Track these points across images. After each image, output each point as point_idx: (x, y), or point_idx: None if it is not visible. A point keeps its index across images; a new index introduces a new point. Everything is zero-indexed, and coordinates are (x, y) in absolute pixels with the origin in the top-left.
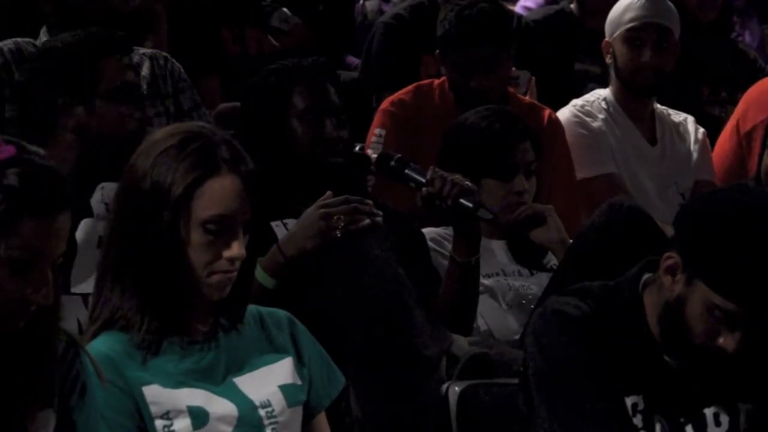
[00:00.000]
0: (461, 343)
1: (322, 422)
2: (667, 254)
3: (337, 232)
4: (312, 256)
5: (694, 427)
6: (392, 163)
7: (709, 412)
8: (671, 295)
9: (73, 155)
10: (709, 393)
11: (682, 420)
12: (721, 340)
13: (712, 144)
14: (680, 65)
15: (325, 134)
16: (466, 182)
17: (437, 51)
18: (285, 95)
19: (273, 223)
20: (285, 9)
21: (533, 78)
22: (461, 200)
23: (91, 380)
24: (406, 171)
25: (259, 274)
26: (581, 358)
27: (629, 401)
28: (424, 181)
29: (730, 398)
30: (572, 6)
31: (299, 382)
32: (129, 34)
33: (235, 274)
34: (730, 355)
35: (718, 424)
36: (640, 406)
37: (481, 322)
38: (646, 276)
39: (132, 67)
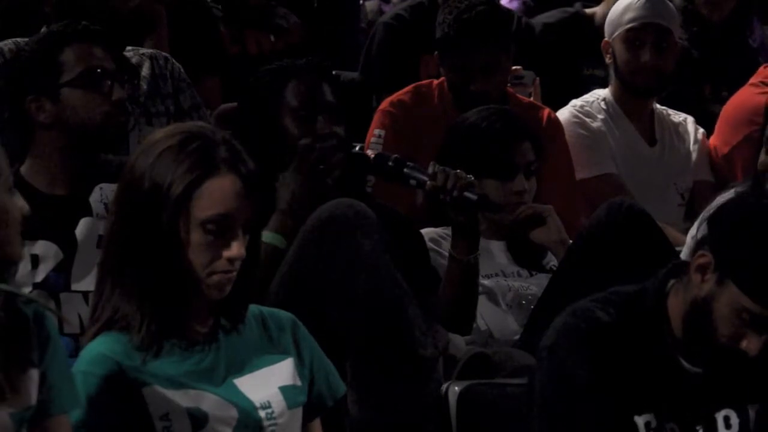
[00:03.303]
0: (459, 343)
1: (316, 428)
2: (699, 252)
3: (329, 180)
4: (311, 200)
5: (705, 431)
6: (390, 163)
7: (719, 415)
8: (699, 294)
9: (56, 151)
10: (720, 396)
11: (693, 424)
12: (745, 343)
13: None
14: (683, 64)
15: (317, 130)
16: (469, 176)
17: (435, 53)
18: (278, 94)
19: None
20: (284, 9)
21: (537, 78)
22: (466, 193)
23: (57, 340)
24: (405, 170)
25: (267, 236)
26: (590, 380)
27: (642, 420)
28: (424, 178)
29: (740, 400)
30: (588, 11)
31: (299, 384)
32: (128, 34)
33: (235, 274)
34: (751, 358)
35: (728, 426)
36: (653, 424)
37: (480, 323)
38: (672, 281)
39: (102, 56)
